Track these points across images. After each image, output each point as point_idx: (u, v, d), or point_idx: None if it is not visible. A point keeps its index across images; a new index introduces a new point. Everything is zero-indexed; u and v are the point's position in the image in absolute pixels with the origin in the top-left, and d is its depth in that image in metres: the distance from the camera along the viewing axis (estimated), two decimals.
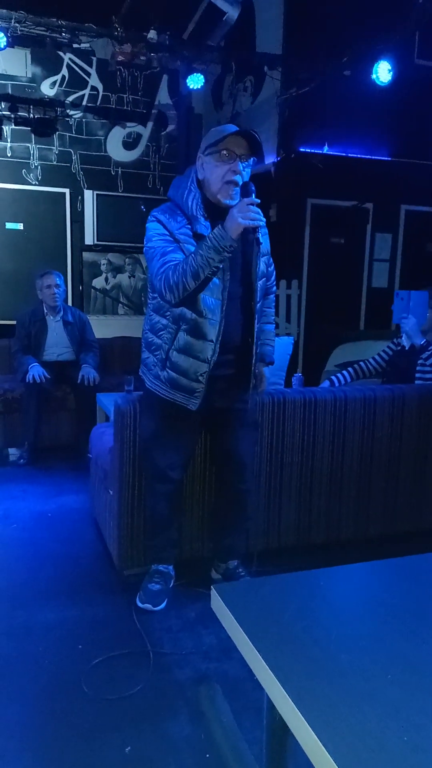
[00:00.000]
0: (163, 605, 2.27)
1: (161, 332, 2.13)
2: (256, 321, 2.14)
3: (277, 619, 0.84)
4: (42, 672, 1.90)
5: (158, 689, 1.83)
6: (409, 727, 0.67)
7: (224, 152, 1.97)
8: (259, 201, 1.88)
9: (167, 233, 2.02)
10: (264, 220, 1.90)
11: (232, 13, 3.77)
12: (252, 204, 1.85)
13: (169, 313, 2.09)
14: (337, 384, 3.17)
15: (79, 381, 4.04)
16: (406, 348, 3.17)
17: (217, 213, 2.04)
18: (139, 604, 2.26)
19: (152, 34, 4.09)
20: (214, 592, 0.90)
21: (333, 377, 3.22)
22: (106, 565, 2.62)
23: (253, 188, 1.93)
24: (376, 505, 2.80)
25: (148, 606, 2.24)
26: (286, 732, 0.86)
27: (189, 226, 2.02)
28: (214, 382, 2.12)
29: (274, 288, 2.43)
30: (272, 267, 2.37)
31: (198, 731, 1.65)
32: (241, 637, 0.81)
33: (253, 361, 2.18)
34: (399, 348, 3.23)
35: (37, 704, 1.76)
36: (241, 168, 1.99)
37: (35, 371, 3.91)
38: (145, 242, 2.08)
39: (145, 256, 2.09)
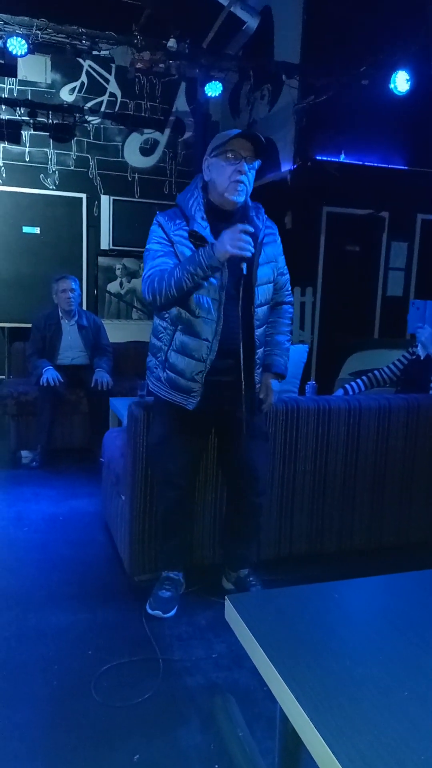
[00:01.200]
0: (173, 612, 2.26)
1: (161, 334, 2.16)
2: (257, 326, 2.13)
3: (292, 631, 0.84)
4: (53, 677, 1.90)
5: (168, 697, 1.82)
6: (428, 743, 0.66)
7: (229, 154, 2.00)
8: (252, 230, 1.92)
9: (164, 236, 2.08)
10: (252, 251, 1.93)
11: (252, 22, 3.79)
12: (245, 232, 1.88)
13: (167, 315, 2.12)
14: (351, 393, 3.16)
15: (92, 385, 4.06)
16: (422, 357, 3.15)
17: (219, 216, 2.05)
18: (149, 611, 2.25)
19: (172, 43, 4.13)
20: (228, 603, 0.90)
21: (347, 386, 3.21)
22: (117, 570, 2.62)
23: (263, 210, 1.97)
24: (389, 515, 2.78)
25: (158, 613, 2.24)
26: (299, 745, 0.86)
27: (186, 227, 2.06)
28: (218, 388, 2.11)
29: (289, 298, 2.38)
30: (285, 277, 2.32)
31: (208, 740, 1.64)
32: (255, 649, 0.81)
33: (257, 368, 2.17)
34: (414, 357, 3.21)
35: (47, 709, 1.76)
36: (247, 169, 2.01)
37: (49, 374, 3.94)
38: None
39: (143, 258, 2.15)
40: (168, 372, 2.13)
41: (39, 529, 3.02)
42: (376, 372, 3.28)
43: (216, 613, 2.29)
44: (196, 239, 2.03)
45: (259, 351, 2.19)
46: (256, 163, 2.06)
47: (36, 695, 1.82)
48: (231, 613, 0.88)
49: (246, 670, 1.94)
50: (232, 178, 2.01)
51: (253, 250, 1.94)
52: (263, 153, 2.04)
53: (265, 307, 2.18)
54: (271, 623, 0.85)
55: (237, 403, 2.16)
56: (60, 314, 4.25)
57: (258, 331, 2.15)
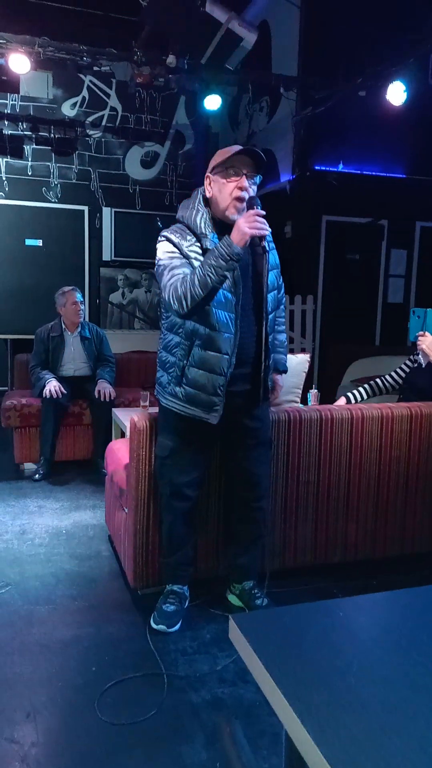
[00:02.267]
0: (177, 626, 2.25)
1: (175, 349, 2.15)
2: (268, 332, 2.17)
3: (297, 651, 0.84)
4: (56, 693, 1.89)
5: (172, 713, 1.81)
6: None
7: (231, 170, 2.02)
8: (264, 213, 1.94)
9: (176, 251, 2.07)
10: (269, 229, 1.96)
11: (249, 38, 3.83)
12: (258, 214, 1.91)
13: (181, 330, 2.12)
14: (353, 401, 3.16)
15: (95, 396, 4.07)
16: (423, 365, 3.15)
17: (225, 230, 2.07)
18: (154, 625, 2.24)
19: (171, 59, 4.17)
20: (232, 623, 0.89)
21: (349, 394, 3.21)
22: (120, 584, 2.61)
23: (259, 202, 2.01)
24: (392, 525, 2.77)
25: (163, 627, 2.23)
26: (305, 763, 0.85)
27: (198, 244, 2.06)
28: (232, 397, 2.13)
29: (284, 299, 2.48)
30: (281, 280, 2.40)
31: (213, 757, 1.63)
32: (260, 670, 0.80)
33: (267, 373, 2.21)
34: (416, 365, 3.21)
35: (51, 727, 1.76)
36: (248, 185, 2.03)
37: (52, 386, 3.94)
38: (156, 262, 2.14)
39: (155, 274, 2.15)
40: (186, 387, 2.12)
41: (43, 543, 3.02)
42: (378, 380, 3.28)
43: (220, 627, 2.28)
44: None
45: (271, 356, 2.24)
46: (258, 178, 2.08)
47: (41, 711, 1.81)
48: (235, 634, 0.88)
49: (251, 685, 1.93)
50: (234, 195, 2.03)
51: (269, 229, 1.95)
52: (264, 168, 2.07)
53: (273, 313, 2.25)
54: (275, 643, 0.84)
55: (249, 410, 2.18)
56: (63, 326, 4.26)
57: (270, 338, 2.20)
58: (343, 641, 0.87)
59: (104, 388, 4.09)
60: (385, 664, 0.82)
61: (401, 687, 0.79)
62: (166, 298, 2.03)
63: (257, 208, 1.96)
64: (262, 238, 1.97)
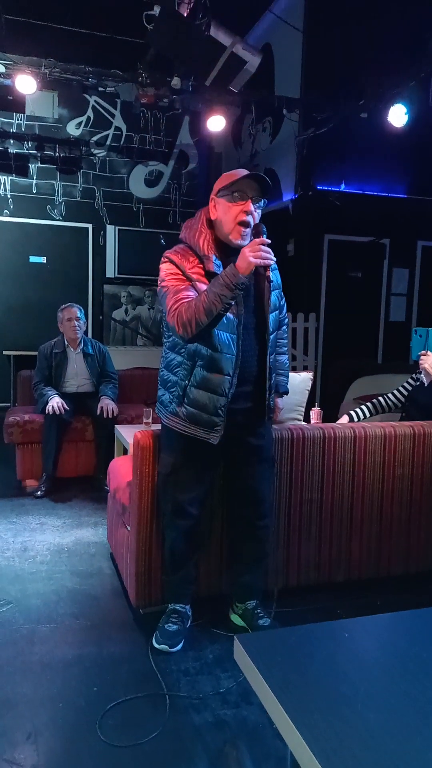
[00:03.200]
0: (180, 646, 2.24)
1: (176, 369, 2.16)
2: (269, 352, 2.18)
3: (303, 673, 0.83)
4: (58, 714, 1.87)
5: (175, 735, 1.79)
6: None
7: (236, 194, 2.04)
8: (270, 241, 1.95)
9: (180, 272, 2.08)
10: (275, 259, 1.96)
11: (253, 62, 3.90)
12: (263, 244, 1.92)
13: (183, 350, 2.13)
14: (356, 419, 3.16)
15: (98, 413, 4.07)
16: (425, 384, 3.15)
17: (228, 252, 2.09)
18: (156, 645, 2.23)
19: (175, 81, 4.24)
20: (237, 644, 0.89)
21: (352, 412, 3.21)
22: (122, 602, 2.59)
23: (265, 229, 2.01)
24: (397, 544, 2.75)
25: (165, 647, 2.21)
26: None
27: (201, 266, 2.08)
28: (233, 415, 2.14)
29: (287, 320, 2.49)
30: (283, 300, 2.42)
31: None
32: (266, 692, 0.80)
33: (268, 393, 2.21)
34: (418, 384, 3.21)
35: (52, 748, 1.74)
36: (253, 209, 2.05)
37: (55, 402, 3.95)
38: (158, 283, 2.15)
39: (158, 296, 2.16)
40: (188, 407, 2.13)
41: (44, 560, 3.00)
42: (380, 398, 3.28)
43: (223, 647, 2.26)
44: (212, 278, 2.04)
45: (273, 376, 2.24)
46: (262, 203, 2.09)
47: (42, 732, 1.79)
48: (240, 655, 0.87)
49: (254, 706, 1.91)
50: (239, 219, 2.04)
51: (275, 258, 1.96)
52: (269, 192, 2.08)
53: (275, 333, 2.26)
54: (280, 665, 0.84)
55: (251, 429, 2.18)
56: (66, 343, 4.27)
57: (270, 359, 2.20)
58: (348, 664, 0.87)
59: (107, 405, 4.09)
60: (391, 689, 0.82)
61: (408, 713, 0.78)
62: (170, 323, 2.03)
63: (264, 236, 1.96)
64: (266, 267, 1.97)
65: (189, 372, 2.11)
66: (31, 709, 1.89)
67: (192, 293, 2.02)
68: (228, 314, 2.04)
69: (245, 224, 2.05)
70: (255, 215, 2.06)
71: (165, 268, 2.12)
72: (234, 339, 2.09)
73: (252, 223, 2.06)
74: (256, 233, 2.00)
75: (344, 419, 3.14)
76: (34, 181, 6.49)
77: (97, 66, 4.58)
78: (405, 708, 0.77)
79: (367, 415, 3.21)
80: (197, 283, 2.05)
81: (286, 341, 2.49)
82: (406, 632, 0.95)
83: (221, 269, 2.03)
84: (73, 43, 5.57)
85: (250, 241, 2.03)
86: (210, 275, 2.05)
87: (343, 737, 0.71)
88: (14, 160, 6.10)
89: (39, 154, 6.11)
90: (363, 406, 3.25)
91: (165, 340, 2.25)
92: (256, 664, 0.82)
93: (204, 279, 2.05)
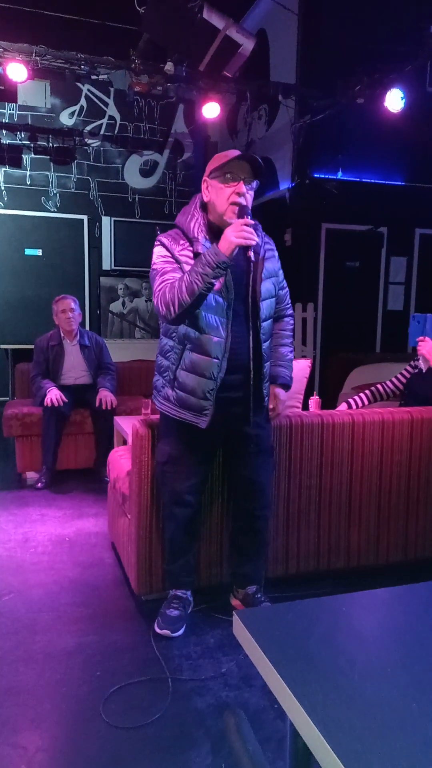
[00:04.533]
0: (181, 631, 2.25)
1: (169, 353, 2.17)
2: (262, 340, 2.16)
3: (301, 646, 0.84)
4: (61, 700, 1.89)
5: (177, 718, 1.80)
6: None
7: (228, 175, 2.03)
8: (253, 222, 1.95)
9: (169, 255, 2.10)
10: (257, 239, 1.95)
11: (247, 45, 3.87)
12: (246, 225, 1.91)
13: (175, 334, 2.14)
14: (354, 407, 3.16)
15: (96, 405, 4.07)
16: (423, 371, 3.15)
17: (218, 235, 2.08)
18: (158, 630, 2.24)
19: (169, 66, 4.20)
20: (236, 618, 0.89)
21: (350, 400, 3.21)
22: (124, 590, 2.60)
23: (249, 212, 2.01)
24: (395, 531, 2.76)
25: (167, 632, 2.22)
26: (310, 762, 0.85)
27: (190, 248, 2.08)
28: (227, 404, 2.13)
29: (290, 311, 2.45)
30: (285, 290, 2.39)
31: (218, 762, 1.62)
32: (265, 664, 0.80)
33: (264, 382, 2.20)
34: (416, 371, 3.22)
35: (56, 733, 1.75)
36: (245, 190, 2.04)
37: (53, 395, 3.94)
38: (151, 267, 2.15)
39: (150, 279, 2.16)
40: (177, 391, 2.14)
41: (46, 551, 3.01)
42: (378, 386, 3.28)
43: (224, 632, 2.27)
44: None
45: (267, 365, 2.22)
46: (255, 184, 2.09)
47: (46, 718, 1.80)
48: (239, 629, 0.87)
49: (255, 689, 1.92)
50: (231, 200, 2.04)
51: (257, 239, 1.95)
52: (261, 174, 2.07)
53: (270, 321, 2.23)
54: (279, 639, 0.84)
55: (246, 418, 2.18)
56: (62, 335, 4.26)
57: (264, 345, 2.19)
58: (346, 637, 0.87)
59: (105, 397, 4.09)
60: (389, 661, 0.82)
61: (406, 683, 0.78)
62: (155, 303, 2.07)
63: (248, 217, 1.96)
64: (248, 248, 1.96)
65: (179, 356, 2.12)
66: (35, 697, 1.90)
67: (178, 274, 2.03)
68: (216, 297, 2.04)
69: (238, 204, 2.04)
70: (248, 196, 2.06)
71: (156, 251, 2.14)
72: (223, 322, 2.08)
73: (245, 203, 2.05)
74: (240, 215, 1.99)
75: (343, 407, 3.14)
76: (28, 173, 6.46)
77: (89, 53, 4.54)
78: (402, 679, 0.78)
79: (366, 403, 3.22)
80: (184, 265, 2.05)
81: (289, 333, 2.44)
82: (403, 606, 0.96)
83: None
84: (64, 30, 5.52)
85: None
86: (195, 261, 2.05)
87: (341, 706, 0.72)
88: (7, 151, 6.06)
89: (32, 145, 6.07)
90: (362, 394, 3.25)
91: (160, 325, 2.26)
92: (255, 638, 0.82)
93: (192, 261, 2.05)
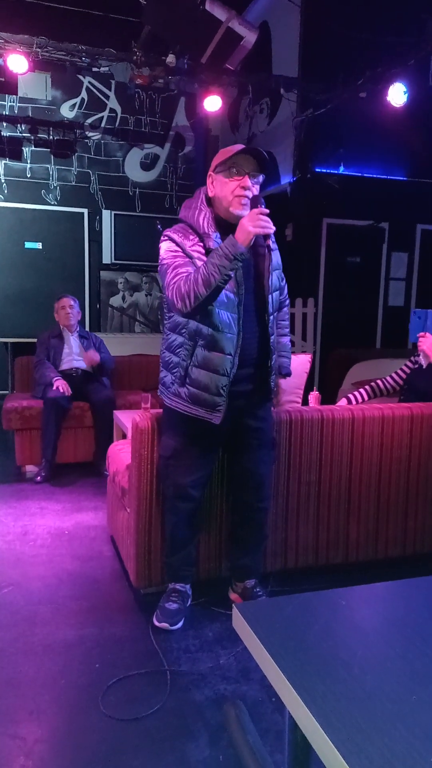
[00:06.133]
0: (180, 624, 2.25)
1: (178, 350, 2.15)
2: (270, 333, 2.17)
3: (300, 639, 0.84)
4: (60, 691, 1.89)
5: (176, 710, 1.81)
6: None
7: (234, 169, 2.02)
8: (268, 211, 1.93)
9: (180, 250, 2.07)
10: (274, 228, 1.94)
11: (250, 37, 3.85)
12: (262, 213, 1.90)
13: (185, 330, 2.12)
14: (354, 402, 3.16)
15: (96, 398, 4.12)
16: (423, 367, 3.15)
17: (228, 231, 2.07)
18: (156, 623, 2.24)
19: (171, 59, 4.18)
20: (235, 611, 0.89)
21: (350, 395, 3.21)
22: (123, 584, 2.61)
23: (263, 201, 1.99)
24: (394, 526, 2.76)
25: (165, 625, 2.23)
26: (309, 754, 0.85)
27: (201, 244, 2.06)
28: (235, 398, 2.14)
29: (287, 301, 2.47)
30: (284, 281, 2.40)
31: (216, 754, 1.63)
32: (264, 657, 0.81)
33: (271, 374, 2.21)
34: (416, 366, 3.21)
35: (55, 724, 1.75)
36: (250, 184, 2.03)
37: (61, 383, 4.04)
38: (159, 262, 2.13)
39: (159, 273, 2.15)
40: (189, 387, 2.12)
41: (45, 544, 3.01)
42: (378, 381, 3.28)
43: (223, 626, 2.28)
44: None
45: (273, 357, 2.24)
46: (260, 178, 2.08)
47: (45, 710, 1.81)
48: (239, 622, 0.88)
49: (254, 682, 1.93)
50: (236, 194, 2.03)
51: (274, 228, 1.94)
52: (267, 168, 2.06)
53: (275, 314, 2.24)
54: (279, 631, 0.85)
55: (251, 412, 2.18)
56: (61, 328, 4.39)
57: (272, 339, 2.20)
58: (345, 630, 0.88)
59: (90, 354, 4.21)
60: (386, 653, 0.82)
61: (405, 676, 0.79)
62: (169, 297, 2.02)
63: (262, 206, 1.95)
64: (266, 237, 1.96)
65: (190, 352, 2.11)
66: (34, 688, 1.90)
67: (191, 269, 2.01)
68: (228, 293, 2.04)
69: (243, 197, 2.02)
70: (253, 190, 2.04)
71: (165, 246, 2.10)
72: (235, 318, 2.08)
73: (250, 198, 2.04)
74: (254, 204, 1.98)
75: (342, 403, 3.14)
76: (28, 165, 6.43)
77: (90, 45, 4.51)
78: (401, 671, 0.78)
79: (366, 398, 3.21)
80: (197, 261, 2.03)
81: (287, 323, 2.47)
82: (402, 600, 0.96)
83: None
84: (66, 21, 5.48)
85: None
86: (210, 253, 2.03)
87: (340, 698, 0.72)
88: (7, 143, 6.03)
89: (33, 138, 6.04)
90: (361, 389, 3.25)
91: (166, 321, 2.24)
92: (254, 630, 0.82)
93: (204, 257, 2.03)
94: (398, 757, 0.66)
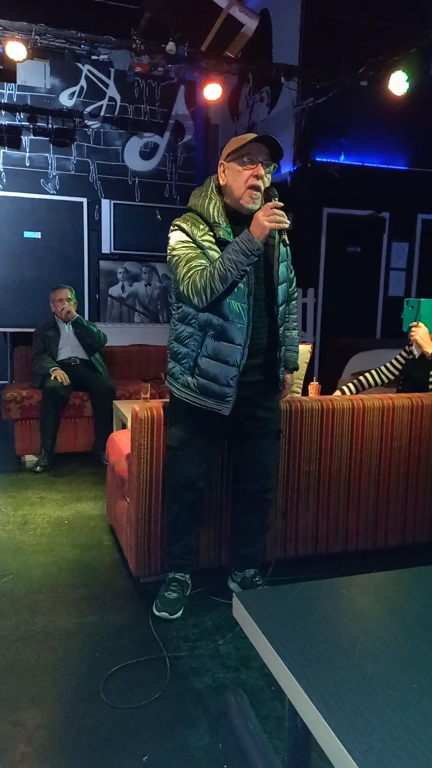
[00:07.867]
0: (179, 613, 2.27)
1: (187, 340, 2.14)
2: (279, 324, 2.17)
3: (300, 627, 0.84)
4: (61, 679, 1.91)
5: (176, 698, 1.82)
6: None
7: (246, 158, 2.00)
8: (282, 204, 1.91)
9: (190, 240, 2.05)
10: (289, 222, 1.92)
11: (250, 24, 3.81)
12: (276, 207, 1.88)
13: (194, 320, 2.11)
14: (348, 393, 3.15)
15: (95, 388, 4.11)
16: (416, 357, 3.13)
17: (238, 220, 2.05)
18: (156, 612, 2.26)
19: (170, 46, 4.14)
20: (236, 600, 0.90)
21: (344, 387, 3.21)
22: (123, 573, 2.62)
23: (276, 193, 1.96)
24: (394, 516, 2.78)
25: (165, 614, 2.24)
26: (309, 741, 0.86)
27: (212, 233, 2.04)
28: (243, 388, 2.13)
29: (296, 294, 2.47)
30: (293, 273, 2.39)
31: (216, 741, 1.64)
32: (264, 645, 0.81)
33: (279, 366, 2.20)
34: (410, 357, 3.20)
35: (56, 711, 1.77)
36: (263, 173, 2.01)
37: (59, 373, 4.05)
38: (168, 252, 2.11)
39: (169, 265, 2.11)
40: (198, 378, 2.12)
41: (45, 533, 3.02)
42: (372, 371, 3.25)
43: (222, 614, 2.29)
44: (223, 246, 2.01)
45: (282, 348, 2.23)
46: (273, 167, 2.06)
47: (45, 697, 1.82)
48: (239, 611, 0.88)
49: (253, 670, 1.94)
50: (249, 183, 2.01)
51: (288, 222, 1.92)
52: (279, 156, 2.04)
53: (284, 306, 2.24)
54: (279, 620, 0.85)
55: (259, 402, 2.18)
56: (56, 319, 4.37)
57: (280, 330, 2.19)
58: (346, 618, 0.88)
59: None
60: (386, 641, 0.83)
61: (404, 663, 0.79)
62: (184, 292, 2.00)
63: (275, 200, 1.93)
64: (281, 231, 1.94)
65: (200, 343, 2.10)
66: (34, 676, 1.92)
67: (204, 261, 2.00)
68: (239, 284, 2.02)
69: (256, 188, 2.01)
70: (266, 179, 2.03)
71: (175, 236, 2.08)
72: (245, 308, 2.06)
73: (263, 188, 2.03)
74: (267, 197, 1.97)
75: (337, 394, 3.14)
76: (27, 154, 6.38)
77: (89, 32, 4.47)
78: (401, 658, 0.79)
79: (359, 389, 3.20)
80: (208, 251, 2.01)
81: (295, 316, 2.46)
82: (399, 589, 0.96)
83: (232, 236, 2.00)
84: (65, 8, 5.41)
85: (261, 205, 1.99)
86: (220, 243, 2.02)
87: (341, 685, 0.72)
88: (6, 132, 5.98)
89: (31, 126, 5.99)
90: (355, 380, 3.24)
91: (174, 312, 2.22)
92: (254, 619, 0.83)
93: (215, 247, 2.02)
94: (398, 744, 0.67)
